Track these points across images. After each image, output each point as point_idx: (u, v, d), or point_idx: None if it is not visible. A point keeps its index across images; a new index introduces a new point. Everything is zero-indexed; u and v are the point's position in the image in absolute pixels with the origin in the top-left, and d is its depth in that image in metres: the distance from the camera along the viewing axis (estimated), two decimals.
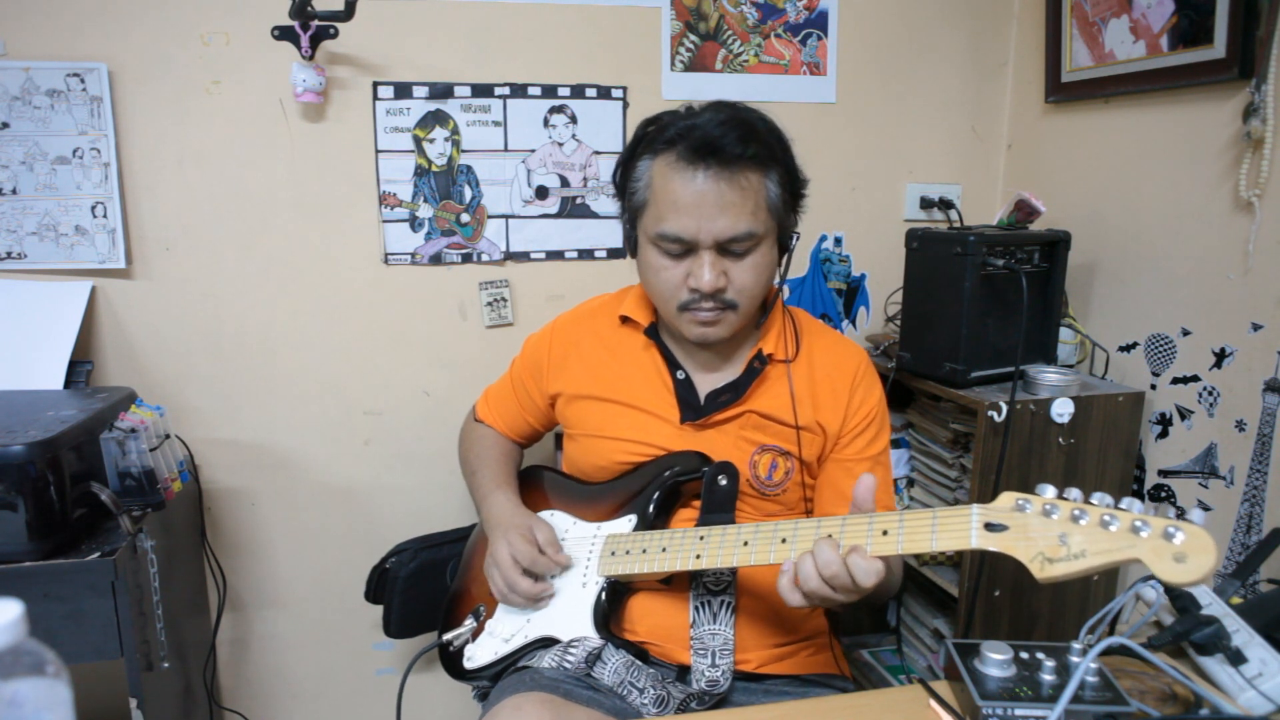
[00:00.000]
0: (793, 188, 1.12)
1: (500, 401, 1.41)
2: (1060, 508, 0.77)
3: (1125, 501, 0.75)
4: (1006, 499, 0.81)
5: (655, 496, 1.14)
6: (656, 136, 1.09)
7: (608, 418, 1.22)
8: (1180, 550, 0.70)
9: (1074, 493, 0.78)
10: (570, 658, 1.07)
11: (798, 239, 1.17)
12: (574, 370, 1.27)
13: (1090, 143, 1.68)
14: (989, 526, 0.80)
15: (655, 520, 1.14)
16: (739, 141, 1.04)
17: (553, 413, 1.34)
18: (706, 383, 1.19)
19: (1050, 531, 0.76)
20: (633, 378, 1.22)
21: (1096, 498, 0.77)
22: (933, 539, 0.85)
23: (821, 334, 1.26)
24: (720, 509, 1.11)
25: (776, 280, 1.17)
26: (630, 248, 1.18)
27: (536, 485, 1.33)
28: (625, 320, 1.25)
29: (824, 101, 1.82)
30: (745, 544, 0.98)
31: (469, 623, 1.20)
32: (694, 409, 1.17)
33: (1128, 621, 1.39)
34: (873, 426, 1.21)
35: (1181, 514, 0.74)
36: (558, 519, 1.24)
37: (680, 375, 1.19)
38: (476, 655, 1.18)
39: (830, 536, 0.90)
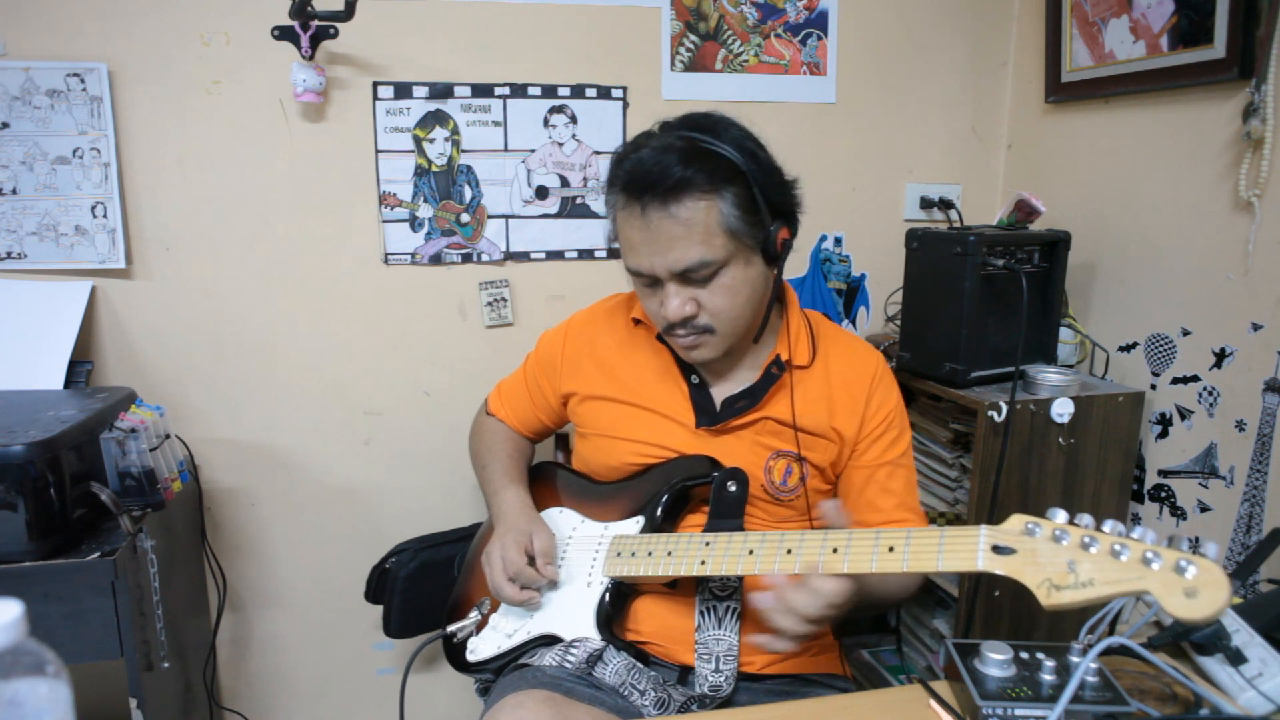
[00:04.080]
0: (769, 197, 1.06)
1: (513, 396, 1.40)
2: (1070, 534, 0.76)
3: (1138, 531, 0.74)
4: (1016, 521, 0.80)
5: (664, 500, 1.13)
6: (614, 173, 1.10)
7: (621, 419, 1.21)
8: (1192, 585, 0.68)
9: (1085, 519, 0.76)
10: (571, 658, 1.07)
11: (788, 245, 1.11)
12: (588, 370, 1.27)
13: (1090, 143, 1.68)
14: (996, 549, 0.79)
15: (663, 523, 1.14)
16: (678, 166, 1.00)
17: (565, 411, 1.34)
18: (722, 388, 1.19)
19: (1059, 558, 0.75)
20: (648, 380, 1.22)
21: (1108, 525, 0.75)
22: (939, 559, 0.84)
23: (838, 338, 1.25)
24: (729, 515, 1.11)
25: (787, 279, 1.17)
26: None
27: (547, 482, 1.33)
28: (638, 323, 1.25)
29: (824, 101, 1.82)
30: (750, 553, 0.98)
31: (473, 615, 1.21)
32: (710, 414, 1.17)
33: (1128, 621, 1.39)
34: (891, 429, 1.20)
35: (1195, 546, 0.72)
36: (566, 516, 1.24)
37: (694, 380, 1.19)
38: (479, 648, 1.18)
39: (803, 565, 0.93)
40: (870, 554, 0.89)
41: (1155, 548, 0.71)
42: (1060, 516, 0.78)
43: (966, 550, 0.82)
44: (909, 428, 1.24)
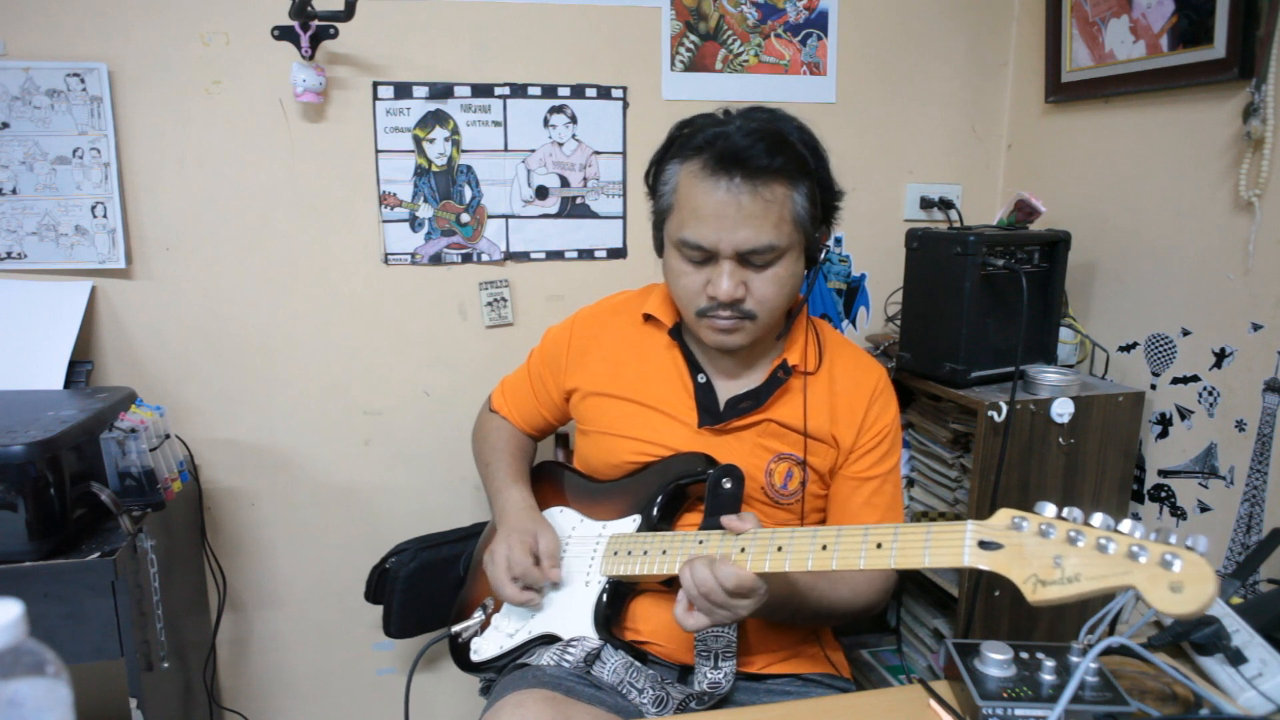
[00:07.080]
0: (825, 200, 1.11)
1: (516, 393, 1.40)
2: (1057, 528, 0.75)
3: (1127, 524, 0.73)
4: (1003, 516, 0.79)
5: (659, 498, 1.14)
6: (686, 142, 1.09)
7: (623, 416, 1.21)
8: (1177, 579, 0.67)
9: (1074, 512, 0.76)
10: (569, 657, 1.08)
11: (828, 251, 1.16)
12: (593, 366, 1.27)
13: (1090, 143, 1.68)
14: (983, 544, 0.79)
15: (659, 522, 1.14)
16: (766, 153, 1.03)
17: (567, 407, 1.34)
18: (727, 389, 1.19)
19: (1045, 552, 0.74)
20: (652, 378, 1.21)
21: (1097, 519, 0.74)
22: (925, 554, 0.83)
23: (843, 348, 1.25)
24: (724, 513, 1.11)
25: (803, 290, 1.17)
26: (657, 247, 1.18)
27: (549, 481, 1.33)
28: (648, 319, 1.25)
29: (824, 101, 1.82)
30: (742, 550, 0.98)
31: (477, 615, 1.22)
32: (713, 414, 1.17)
33: (1128, 621, 1.39)
34: (884, 444, 1.20)
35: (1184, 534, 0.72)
36: (566, 516, 1.25)
37: (701, 379, 1.19)
38: (482, 648, 1.19)
39: (722, 554, 0.96)
40: (859, 550, 0.89)
41: (1142, 541, 0.71)
42: (1048, 510, 0.77)
43: (953, 546, 0.81)
44: (900, 444, 1.25)
